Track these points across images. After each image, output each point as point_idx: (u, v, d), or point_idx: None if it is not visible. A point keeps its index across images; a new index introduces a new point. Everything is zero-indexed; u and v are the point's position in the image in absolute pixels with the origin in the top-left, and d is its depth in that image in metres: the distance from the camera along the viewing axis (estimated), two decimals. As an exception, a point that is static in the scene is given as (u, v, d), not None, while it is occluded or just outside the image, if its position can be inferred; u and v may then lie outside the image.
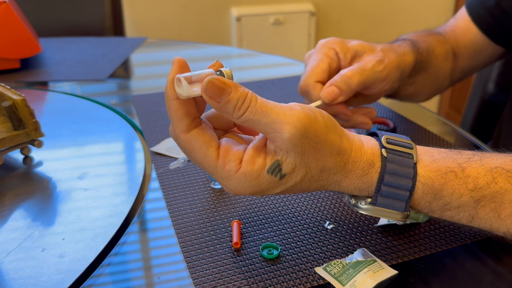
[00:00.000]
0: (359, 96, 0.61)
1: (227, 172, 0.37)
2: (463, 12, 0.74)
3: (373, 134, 0.43)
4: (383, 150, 0.40)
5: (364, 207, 0.40)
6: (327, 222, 0.48)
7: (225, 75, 0.37)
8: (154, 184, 0.57)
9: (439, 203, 0.40)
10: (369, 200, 0.40)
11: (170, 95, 0.37)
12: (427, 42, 0.67)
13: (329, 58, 0.57)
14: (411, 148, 0.41)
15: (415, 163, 0.40)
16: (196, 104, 0.39)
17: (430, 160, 0.41)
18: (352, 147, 0.39)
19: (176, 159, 0.61)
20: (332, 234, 0.47)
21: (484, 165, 0.41)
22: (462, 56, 0.72)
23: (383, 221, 0.48)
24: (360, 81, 0.55)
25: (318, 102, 0.54)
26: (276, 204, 0.51)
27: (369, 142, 0.41)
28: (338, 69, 0.58)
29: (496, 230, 0.41)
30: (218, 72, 0.37)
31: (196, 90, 0.36)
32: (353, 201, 0.41)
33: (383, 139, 0.40)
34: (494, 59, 0.76)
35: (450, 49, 0.71)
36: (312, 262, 0.43)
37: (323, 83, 0.56)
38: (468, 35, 0.72)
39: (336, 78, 0.55)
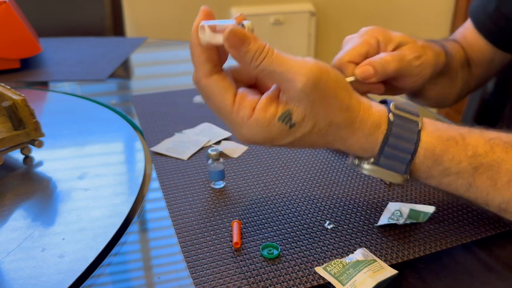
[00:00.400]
0: (386, 86, 0.60)
1: (240, 118, 0.40)
2: (469, 20, 0.74)
3: (383, 102, 0.45)
4: (390, 114, 0.42)
5: (366, 167, 0.43)
6: (327, 222, 0.48)
7: (247, 28, 0.39)
8: (154, 184, 0.57)
9: (439, 168, 0.42)
10: (372, 160, 0.43)
11: (194, 41, 0.39)
12: (448, 47, 0.68)
13: (369, 46, 0.57)
14: (417, 116, 0.43)
15: (419, 130, 0.42)
16: (218, 54, 0.41)
17: (433, 128, 0.43)
18: (360, 107, 0.41)
19: (176, 159, 0.61)
20: (332, 234, 0.47)
21: (484, 136, 0.43)
22: (474, 64, 0.72)
23: (383, 221, 0.48)
24: (396, 68, 0.55)
25: (351, 78, 0.54)
26: (276, 204, 0.51)
27: (378, 106, 0.43)
28: None
29: (491, 201, 0.43)
30: (240, 25, 0.39)
31: (218, 38, 0.38)
32: (356, 162, 0.44)
33: (391, 105, 0.43)
34: (505, 65, 0.76)
35: (464, 57, 0.71)
36: (312, 262, 0.43)
37: (357, 65, 0.56)
38: (476, 42, 0.72)
39: (375, 58, 0.55)
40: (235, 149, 0.63)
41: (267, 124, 0.39)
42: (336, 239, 0.46)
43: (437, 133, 0.42)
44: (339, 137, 0.41)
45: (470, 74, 0.73)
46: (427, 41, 0.63)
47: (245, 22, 0.39)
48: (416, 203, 0.50)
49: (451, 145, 0.42)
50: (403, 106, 0.43)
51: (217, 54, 0.40)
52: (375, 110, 0.42)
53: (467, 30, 0.74)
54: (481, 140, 0.42)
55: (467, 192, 0.43)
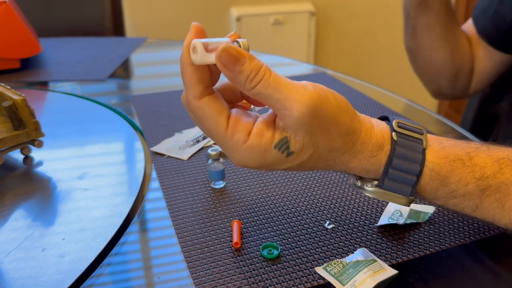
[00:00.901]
0: None
1: (235, 142, 0.37)
2: (470, 23, 0.75)
3: (384, 118, 0.43)
4: (393, 133, 0.40)
5: (370, 190, 0.41)
6: (327, 222, 0.48)
7: (242, 46, 0.37)
8: (154, 184, 0.57)
9: (445, 190, 0.40)
10: (375, 182, 0.40)
11: (185, 60, 0.37)
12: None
13: None
14: (421, 134, 0.41)
15: (424, 149, 0.40)
16: (210, 74, 0.39)
17: (439, 147, 0.41)
18: (362, 128, 0.39)
19: (176, 159, 0.61)
20: (332, 234, 0.47)
21: (492, 155, 0.41)
22: (476, 68, 0.75)
23: (383, 221, 0.48)
24: None
25: None
26: (276, 204, 0.51)
27: (380, 125, 0.41)
28: None
29: (498, 221, 0.41)
30: (235, 42, 0.37)
31: (211, 57, 0.36)
32: (359, 183, 0.42)
33: (394, 123, 0.41)
34: (506, 66, 0.77)
35: (469, 44, 0.74)
36: (312, 262, 0.43)
37: None
38: (476, 47, 0.73)
39: None
40: (235, 149, 0.63)
41: (262, 151, 0.37)
42: (336, 239, 0.46)
43: (442, 152, 0.40)
44: (340, 161, 0.40)
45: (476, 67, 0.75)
46: None
47: (241, 40, 0.37)
48: (416, 203, 0.50)
49: (457, 166, 0.40)
50: (406, 123, 0.41)
51: (209, 75, 0.38)
52: (377, 130, 0.40)
53: (469, 31, 0.75)
54: (489, 160, 0.40)
55: (474, 212, 0.41)
